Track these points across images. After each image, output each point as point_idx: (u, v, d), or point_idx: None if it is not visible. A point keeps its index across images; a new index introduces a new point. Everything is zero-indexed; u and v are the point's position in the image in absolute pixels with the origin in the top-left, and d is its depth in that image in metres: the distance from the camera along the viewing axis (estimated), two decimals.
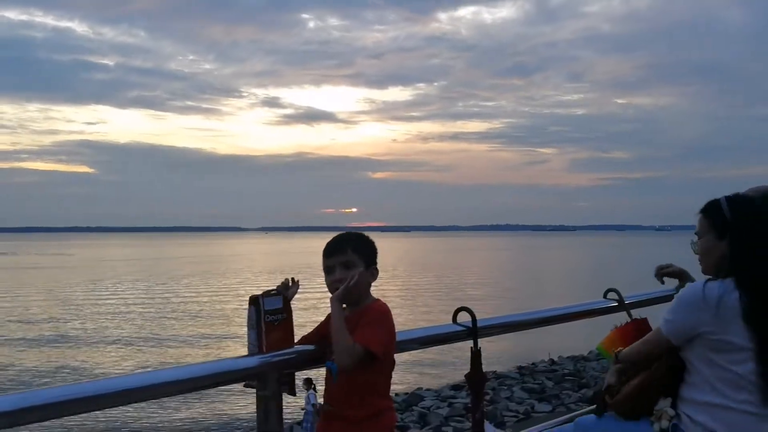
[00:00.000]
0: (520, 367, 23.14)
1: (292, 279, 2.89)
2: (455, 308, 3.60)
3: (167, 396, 2.59)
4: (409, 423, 17.07)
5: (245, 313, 2.82)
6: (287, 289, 2.85)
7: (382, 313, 2.80)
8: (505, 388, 20.02)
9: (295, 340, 2.87)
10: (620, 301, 4.26)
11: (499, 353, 23.91)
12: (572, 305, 4.39)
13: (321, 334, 2.92)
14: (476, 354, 3.57)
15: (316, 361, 2.89)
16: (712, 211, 3.02)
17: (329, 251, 2.85)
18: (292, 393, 2.83)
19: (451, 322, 3.58)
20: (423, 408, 18.36)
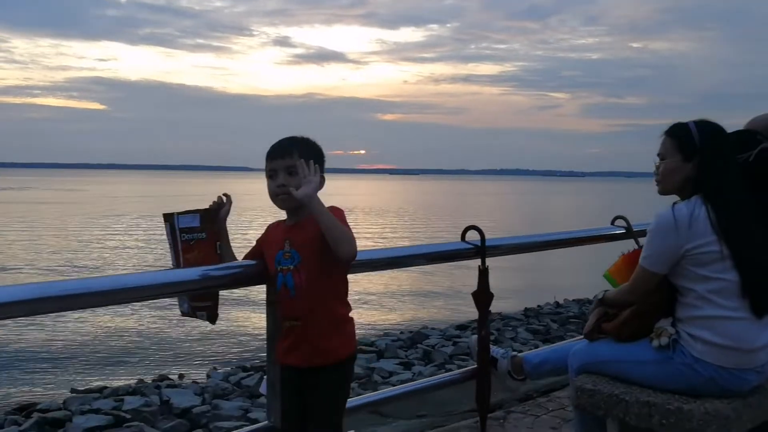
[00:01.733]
0: (525, 309, 23.36)
1: (225, 196, 2.77)
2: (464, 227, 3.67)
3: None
4: (413, 360, 17.34)
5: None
6: (220, 208, 2.75)
7: (343, 214, 2.58)
8: (510, 329, 20.19)
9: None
10: (628, 228, 4.31)
11: (505, 295, 24.07)
12: (580, 230, 4.44)
13: (258, 249, 2.77)
14: (484, 272, 3.65)
15: (250, 279, 2.72)
16: (679, 133, 3.08)
17: (273, 154, 2.62)
18: (212, 321, 2.72)
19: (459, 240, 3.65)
20: (428, 346, 18.59)
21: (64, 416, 12.84)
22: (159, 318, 21.39)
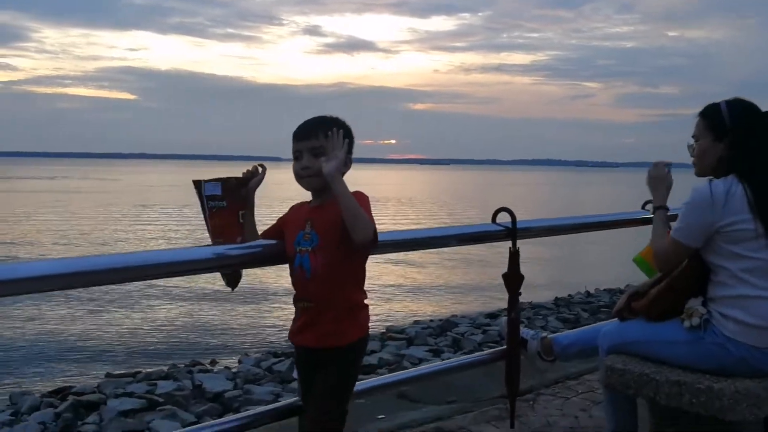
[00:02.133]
0: (556, 298, 23.28)
1: (261, 166, 2.75)
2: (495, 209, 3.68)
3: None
4: (443, 347, 17.38)
5: None
6: (252, 177, 2.72)
7: (367, 201, 2.55)
8: (540, 317, 20.15)
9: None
10: None
11: (536, 284, 24.02)
12: (611, 213, 4.43)
13: (278, 228, 2.76)
14: (514, 254, 3.65)
15: (269, 259, 2.73)
16: (710, 113, 3.07)
17: (299, 135, 2.58)
18: (231, 286, 2.74)
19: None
20: (457, 334, 18.63)
21: (99, 399, 13.06)
22: (192, 306, 21.67)
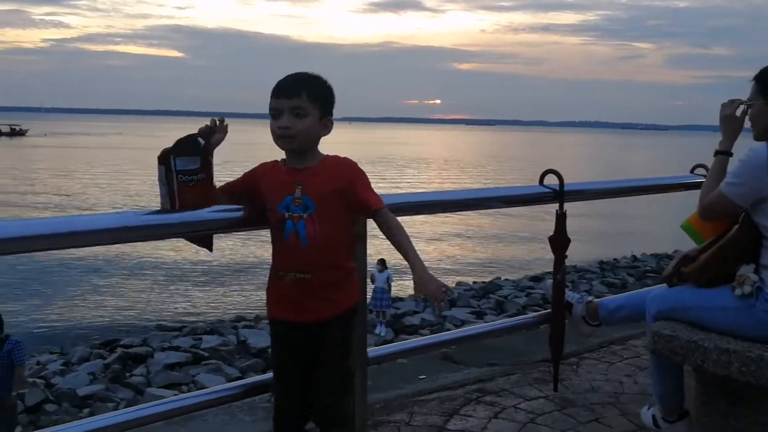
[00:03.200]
0: (601, 262, 23.05)
1: (220, 121, 2.49)
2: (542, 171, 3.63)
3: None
4: (485, 309, 17.37)
5: None
6: (211, 135, 2.47)
7: (363, 174, 2.47)
8: (585, 281, 20.04)
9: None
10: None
11: (581, 248, 23.87)
12: (659, 177, 4.34)
13: (246, 185, 2.56)
14: (561, 217, 3.60)
15: (248, 222, 2.56)
16: (761, 76, 3.00)
17: (279, 92, 2.40)
18: (209, 248, 2.60)
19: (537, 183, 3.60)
20: (500, 296, 18.60)
21: (146, 352, 13.41)
22: (235, 261, 21.95)
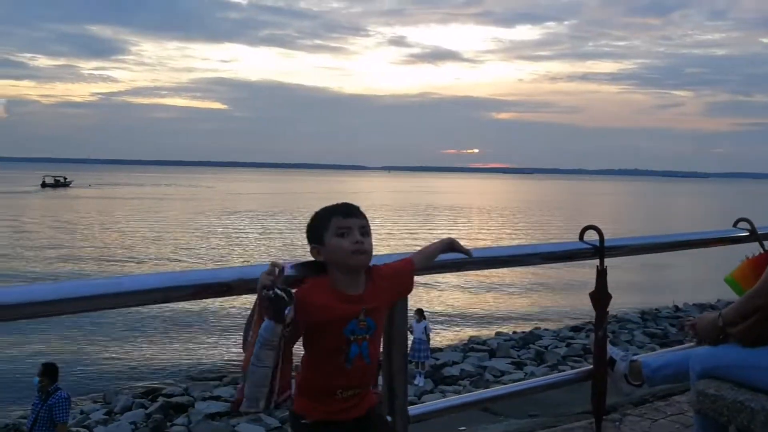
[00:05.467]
0: (642, 312, 22.66)
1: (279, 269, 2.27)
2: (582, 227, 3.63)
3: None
4: (525, 360, 17.15)
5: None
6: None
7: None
8: (626, 331, 19.71)
9: None
10: (752, 230, 4.13)
11: (622, 297, 23.53)
12: (701, 231, 4.30)
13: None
14: (602, 273, 3.59)
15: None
16: None
17: (350, 211, 2.43)
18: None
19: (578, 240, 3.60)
20: (540, 347, 18.35)
21: (187, 401, 13.46)
22: None
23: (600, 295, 3.60)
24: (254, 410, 2.23)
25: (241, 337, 2.31)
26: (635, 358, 3.70)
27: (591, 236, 3.60)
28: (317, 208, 2.50)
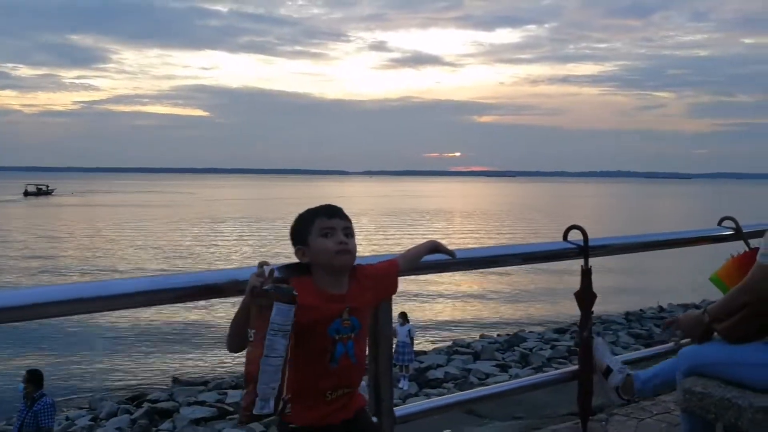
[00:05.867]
0: (627, 313, 22.72)
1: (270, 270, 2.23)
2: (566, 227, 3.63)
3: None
4: (510, 362, 17.13)
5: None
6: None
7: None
8: (611, 332, 19.73)
9: None
10: (737, 229, 4.14)
11: (606, 298, 23.59)
12: (685, 231, 4.29)
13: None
14: (587, 273, 3.58)
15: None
16: None
17: (334, 212, 2.45)
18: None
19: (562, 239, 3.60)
20: (525, 349, 18.35)
21: (172, 407, 13.37)
22: None
23: (585, 295, 3.59)
24: (267, 412, 2.16)
25: (226, 343, 2.31)
26: (630, 372, 3.66)
27: (575, 236, 3.60)
28: (294, 211, 2.52)
